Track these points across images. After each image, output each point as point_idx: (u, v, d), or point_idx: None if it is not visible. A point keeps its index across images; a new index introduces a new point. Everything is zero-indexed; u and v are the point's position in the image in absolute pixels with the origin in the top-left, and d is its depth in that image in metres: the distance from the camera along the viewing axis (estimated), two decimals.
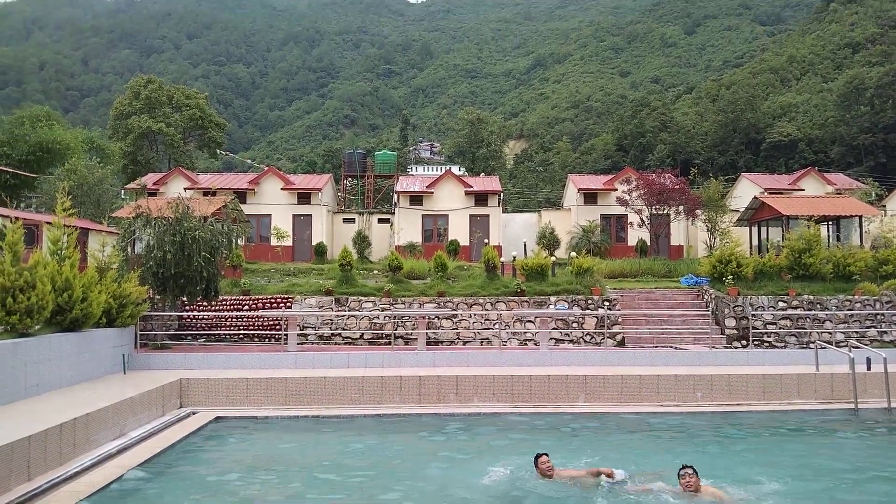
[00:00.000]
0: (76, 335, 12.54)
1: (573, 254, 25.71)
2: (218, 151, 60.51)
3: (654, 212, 30.53)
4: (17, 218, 13.65)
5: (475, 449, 10.77)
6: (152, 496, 8.32)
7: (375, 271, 25.88)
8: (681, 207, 30.52)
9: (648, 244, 31.00)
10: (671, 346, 17.99)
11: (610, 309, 19.54)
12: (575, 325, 19.44)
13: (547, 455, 8.71)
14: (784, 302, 19.60)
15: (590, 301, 20.08)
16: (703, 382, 13.87)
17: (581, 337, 19.25)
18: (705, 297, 20.82)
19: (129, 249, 18.70)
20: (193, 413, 12.56)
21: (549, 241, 31.97)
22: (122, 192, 39.77)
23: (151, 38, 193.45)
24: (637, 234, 32.33)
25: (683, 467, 8.14)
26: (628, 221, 33.49)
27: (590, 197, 36.27)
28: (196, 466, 9.87)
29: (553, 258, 24.03)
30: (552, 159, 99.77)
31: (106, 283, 14.02)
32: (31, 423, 8.93)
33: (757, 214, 30.10)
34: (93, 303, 12.94)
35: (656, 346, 18.22)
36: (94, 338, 13.19)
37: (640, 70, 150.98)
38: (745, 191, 37.33)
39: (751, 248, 30.11)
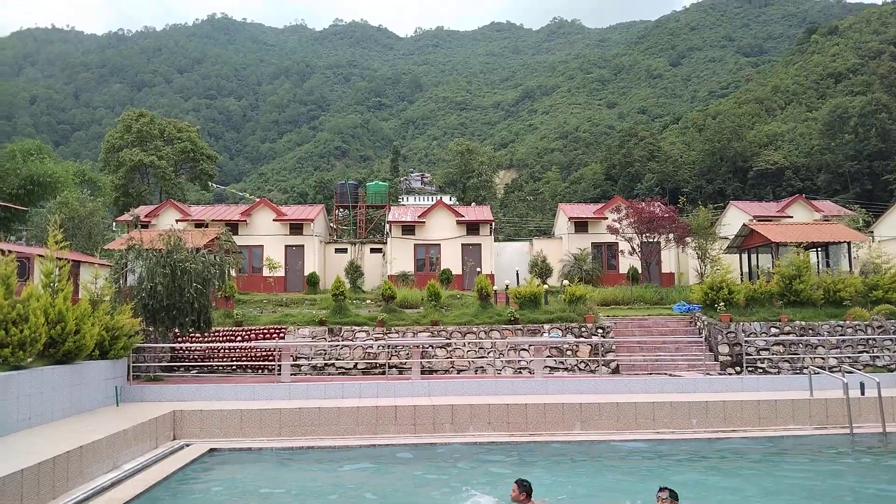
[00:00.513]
0: (69, 368, 12.46)
1: (565, 282, 25.78)
2: (210, 184, 60.56)
3: (644, 240, 30.73)
4: (9, 251, 13.62)
5: (469, 477, 10.68)
6: None
7: (368, 301, 25.83)
8: (671, 235, 30.73)
9: (640, 272, 31.13)
10: (666, 373, 17.99)
11: (604, 336, 19.56)
12: (569, 352, 19.43)
13: (519, 483, 8.65)
14: (776, 328, 19.68)
15: (583, 328, 20.09)
16: (699, 409, 13.88)
17: (576, 365, 19.22)
18: (698, 323, 20.88)
19: (121, 281, 18.65)
20: (187, 445, 12.45)
21: (541, 269, 32.06)
22: (114, 224, 39.64)
23: (142, 73, 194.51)
24: (628, 261, 32.50)
25: (661, 489, 8.21)
26: (619, 249, 33.66)
27: (580, 225, 36.48)
28: (190, 499, 9.76)
29: (546, 286, 24.07)
30: (542, 189, 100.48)
31: (99, 316, 13.97)
32: (24, 455, 8.84)
33: (746, 241, 30.34)
34: (86, 335, 12.89)
35: (650, 374, 18.21)
36: (86, 370, 13.10)
37: (627, 101, 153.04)
38: (734, 218, 37.64)
39: (741, 274, 30.27)
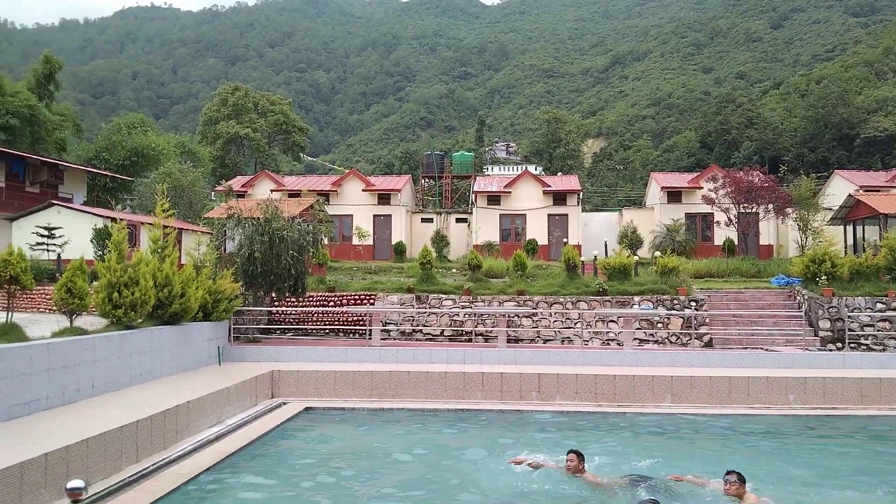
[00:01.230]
0: (175, 328, 13.22)
1: (657, 253, 25.13)
2: (301, 155, 62.27)
3: (741, 210, 29.52)
4: (120, 219, 14.50)
5: (552, 444, 10.70)
6: (248, 481, 8.69)
7: (454, 270, 26.09)
8: (770, 206, 29.39)
9: (736, 244, 29.99)
10: (761, 348, 17.37)
11: (697, 309, 19.03)
12: (660, 325, 19.04)
13: (575, 453, 8.68)
14: (882, 304, 18.60)
15: (675, 301, 19.61)
16: (797, 385, 13.35)
17: (666, 338, 18.83)
18: (797, 297, 19.99)
19: (222, 248, 19.55)
20: (284, 403, 13.04)
21: (631, 240, 31.40)
22: (213, 194, 41.48)
23: (235, 48, 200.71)
24: (724, 233, 31.33)
25: (728, 472, 7.97)
26: (714, 220, 32.49)
27: (674, 195, 35.41)
28: (288, 453, 10.26)
29: (636, 258, 23.61)
30: (632, 157, 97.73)
31: (202, 280, 14.71)
32: (138, 409, 9.50)
33: (852, 213, 28.66)
34: (190, 298, 13.61)
35: (745, 348, 17.63)
36: (191, 331, 13.87)
37: (724, 66, 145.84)
38: (839, 188, 35.59)
39: (845, 247, 28.69)
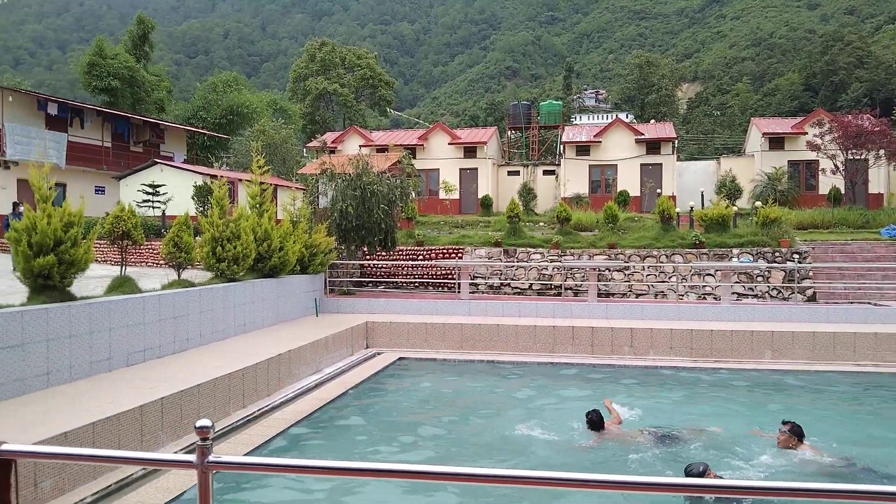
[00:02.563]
0: (274, 281, 13.75)
1: (758, 203, 23.96)
2: (387, 109, 62.59)
3: (849, 157, 27.63)
4: (220, 176, 15.06)
5: (639, 398, 10.54)
6: (346, 425, 9.04)
7: (541, 223, 25.81)
8: (881, 151, 27.31)
9: (843, 192, 28.19)
10: (869, 303, 16.41)
11: (800, 262, 18.12)
12: (760, 279, 18.26)
13: (591, 413, 8.48)
14: None
15: (777, 253, 18.72)
16: None
17: (766, 292, 18.06)
18: None
19: (315, 203, 20.06)
20: (378, 353, 13.43)
21: (729, 190, 30.02)
22: (304, 150, 42.46)
23: (322, 2, 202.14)
24: (830, 181, 29.48)
25: (784, 423, 7.81)
26: (819, 168, 30.59)
27: (776, 142, 33.50)
28: (384, 400, 10.59)
29: (735, 208, 22.62)
30: (730, 102, 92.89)
31: (298, 234, 15.18)
32: (243, 357, 10.00)
33: None
34: (288, 252, 14.09)
35: (851, 303, 16.70)
36: (289, 283, 14.40)
37: (832, 1, 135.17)
38: None
39: None
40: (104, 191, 31.60)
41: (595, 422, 8.44)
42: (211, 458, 2.38)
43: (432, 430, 9.04)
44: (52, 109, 29.82)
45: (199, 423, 2.42)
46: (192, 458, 2.39)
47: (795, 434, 7.67)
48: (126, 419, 6.93)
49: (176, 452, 7.30)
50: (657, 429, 8.51)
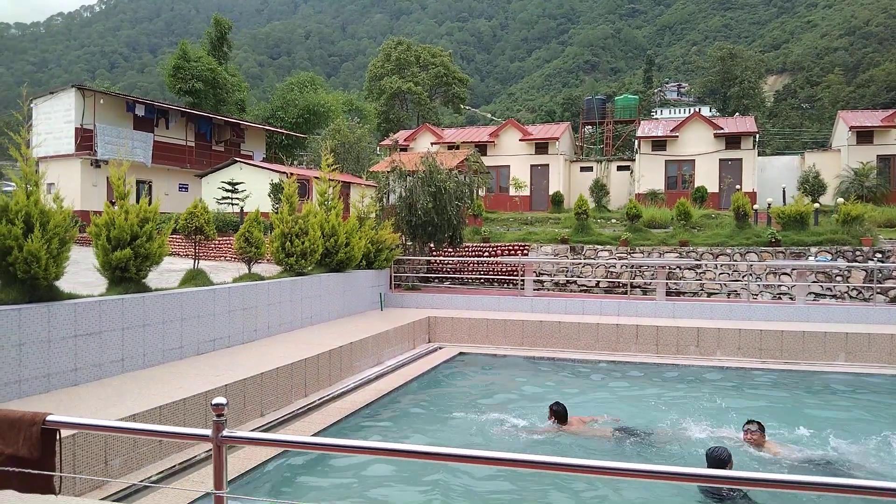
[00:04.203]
0: (341, 275, 14.16)
1: (840, 200, 22.88)
2: (461, 106, 62.89)
3: None
4: (291, 174, 15.60)
5: (707, 400, 10.31)
6: (404, 417, 9.27)
7: (613, 220, 25.44)
8: None
9: None
10: None
11: (882, 261, 17.21)
12: (839, 278, 17.45)
13: (555, 405, 8.64)
14: None
15: (858, 252, 17.84)
16: None
17: (846, 292, 17.25)
18: None
19: (384, 200, 20.45)
20: (440, 347, 13.64)
21: (812, 186, 28.74)
22: (378, 148, 43.25)
23: (400, 1, 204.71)
24: None
25: (748, 422, 7.87)
26: None
27: (864, 136, 31.80)
28: (443, 394, 10.77)
29: (817, 205, 21.66)
30: (820, 95, 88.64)
31: (365, 230, 15.57)
32: (306, 348, 10.39)
33: None
34: (354, 247, 14.47)
35: None
36: (355, 278, 14.79)
37: None
38: None
39: None
40: (188, 188, 33.18)
41: (560, 413, 8.60)
42: (225, 432, 2.59)
43: (485, 421, 9.14)
44: (140, 111, 31.53)
45: (214, 401, 2.64)
46: (209, 432, 2.61)
47: (763, 431, 7.81)
48: (191, 403, 7.36)
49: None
50: (627, 430, 8.49)
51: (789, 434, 8.39)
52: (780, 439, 8.16)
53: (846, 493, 2.26)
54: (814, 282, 17.24)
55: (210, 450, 6.69)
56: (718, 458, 6.36)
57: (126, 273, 8.79)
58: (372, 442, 2.30)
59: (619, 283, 18.80)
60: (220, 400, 2.63)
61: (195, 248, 11.82)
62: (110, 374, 8.10)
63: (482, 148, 36.23)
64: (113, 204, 9.02)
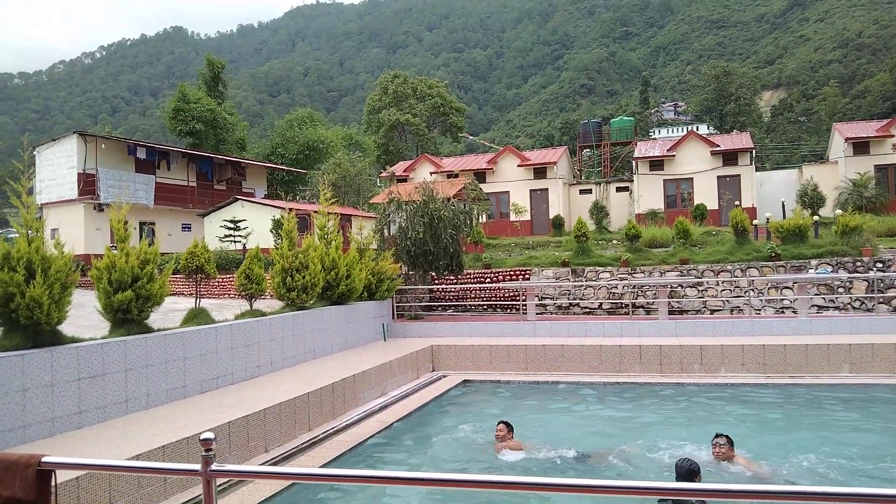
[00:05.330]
0: (343, 308, 14.24)
1: (838, 211, 22.94)
2: (459, 135, 63.41)
3: None
4: (291, 209, 15.79)
5: (710, 417, 10.30)
6: (408, 447, 9.28)
7: (614, 241, 25.51)
8: None
9: None
10: None
11: (883, 271, 17.22)
12: (841, 290, 17.45)
13: (504, 423, 8.91)
14: None
15: (858, 263, 17.86)
16: None
17: (849, 303, 17.23)
18: None
19: (384, 231, 20.61)
20: (444, 376, 13.66)
21: (811, 198, 28.81)
22: (378, 180, 43.61)
23: (396, 35, 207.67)
24: None
25: (717, 436, 7.87)
26: None
27: (860, 146, 31.96)
28: (446, 423, 10.77)
29: (816, 217, 21.72)
30: (816, 108, 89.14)
31: (365, 262, 15.68)
32: (310, 382, 10.44)
33: None
34: (355, 279, 14.57)
35: None
36: (357, 310, 14.87)
37: None
38: None
39: None
40: (190, 228, 33.45)
41: (511, 428, 8.91)
42: (213, 466, 2.67)
43: (487, 447, 9.14)
44: (141, 154, 31.94)
45: (203, 436, 2.72)
46: (198, 466, 2.69)
47: (731, 444, 7.82)
48: (194, 442, 7.41)
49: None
50: (566, 447, 8.65)
51: (778, 452, 8.36)
52: (770, 457, 8.15)
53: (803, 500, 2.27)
54: (816, 294, 17.24)
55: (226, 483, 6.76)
56: (689, 470, 6.35)
57: (128, 315, 8.91)
58: (359, 470, 2.35)
59: (621, 303, 18.83)
60: (208, 435, 2.71)
61: (196, 287, 11.94)
62: (114, 416, 8.16)
63: (481, 175, 36.51)
64: (114, 247, 9.17)
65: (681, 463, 6.53)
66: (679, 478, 6.32)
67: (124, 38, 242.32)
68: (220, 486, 6.87)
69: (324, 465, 8.19)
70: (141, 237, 9.67)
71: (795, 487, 2.28)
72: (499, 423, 9.08)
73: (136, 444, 6.97)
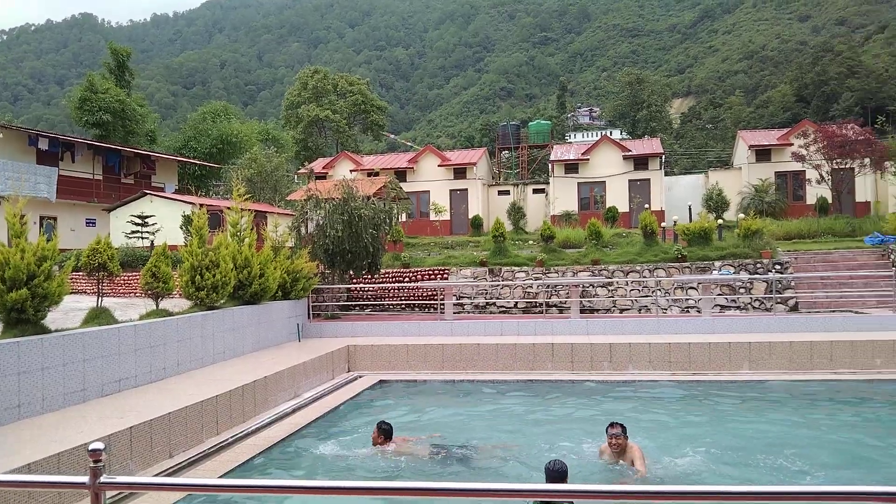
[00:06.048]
0: (256, 308, 13.89)
1: (741, 215, 24.20)
2: (381, 133, 63.13)
3: (835, 166, 27.87)
4: (202, 205, 15.28)
5: (623, 412, 10.64)
6: (321, 450, 9.14)
7: (530, 242, 26.00)
8: (867, 160, 27.58)
9: (830, 202, 28.39)
10: (851, 311, 16.54)
11: (780, 272, 18.27)
12: (742, 290, 18.40)
13: (379, 425, 8.85)
14: None
15: (759, 265, 18.89)
16: (885, 348, 12.68)
17: (749, 303, 18.20)
18: (892, 256, 18.82)
19: (302, 229, 20.26)
20: (359, 377, 13.54)
21: (716, 202, 30.29)
22: (295, 177, 42.80)
23: (317, 30, 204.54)
24: (817, 191, 29.70)
25: (611, 425, 7.81)
26: (806, 179, 30.84)
27: (762, 154, 33.79)
28: (360, 424, 10.67)
29: (720, 221, 22.83)
30: (723, 116, 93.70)
31: (280, 260, 15.35)
32: (219, 385, 10.12)
33: None
34: (269, 278, 14.24)
35: (833, 312, 16.83)
36: (271, 310, 14.54)
37: (822, 12, 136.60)
38: None
39: None
40: (95, 223, 31.88)
41: (387, 432, 8.83)
42: (103, 478, 2.54)
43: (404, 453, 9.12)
44: (43, 144, 30.20)
45: (91, 447, 2.58)
46: (86, 479, 2.55)
47: (625, 434, 7.76)
48: None
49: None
50: (446, 446, 8.80)
51: (678, 445, 8.69)
52: (671, 451, 8.42)
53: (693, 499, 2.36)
54: (719, 294, 18.11)
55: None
56: (559, 472, 6.29)
57: (23, 314, 8.40)
58: (254, 480, 2.27)
59: (535, 303, 19.20)
60: (98, 445, 2.58)
61: (99, 286, 11.38)
62: (6, 422, 7.67)
63: (402, 174, 36.45)
64: (9, 243, 8.63)
65: (550, 465, 6.40)
66: (549, 479, 6.23)
67: (28, 22, 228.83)
68: (113, 498, 6.56)
69: (231, 470, 7.97)
70: (40, 232, 9.13)
71: (657, 487, 2.37)
72: (375, 427, 8.96)
73: (29, 452, 6.57)
